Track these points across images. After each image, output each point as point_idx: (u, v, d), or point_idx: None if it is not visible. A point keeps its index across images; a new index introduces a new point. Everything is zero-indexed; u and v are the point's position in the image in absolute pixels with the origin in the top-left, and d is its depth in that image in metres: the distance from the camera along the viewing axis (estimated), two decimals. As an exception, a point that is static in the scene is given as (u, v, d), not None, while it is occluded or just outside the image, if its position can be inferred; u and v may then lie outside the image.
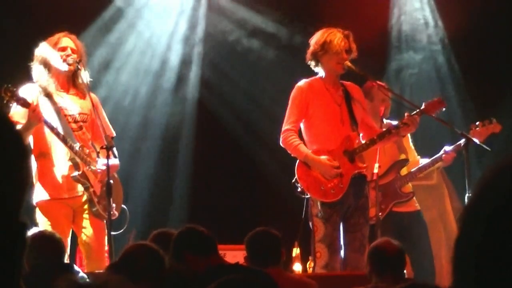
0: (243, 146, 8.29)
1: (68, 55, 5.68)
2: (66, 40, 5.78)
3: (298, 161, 5.80)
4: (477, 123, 6.35)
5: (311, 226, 5.76)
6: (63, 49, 5.72)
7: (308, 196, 5.77)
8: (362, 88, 6.40)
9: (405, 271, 4.49)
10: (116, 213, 5.76)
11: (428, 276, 6.32)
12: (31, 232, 4.43)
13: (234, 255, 5.68)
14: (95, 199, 5.63)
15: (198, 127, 8.27)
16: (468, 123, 6.64)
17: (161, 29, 8.15)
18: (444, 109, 6.15)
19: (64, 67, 5.69)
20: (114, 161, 5.75)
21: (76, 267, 4.57)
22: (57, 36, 5.79)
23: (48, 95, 5.67)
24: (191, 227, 4.12)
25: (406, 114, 6.05)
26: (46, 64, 5.68)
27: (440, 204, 7.13)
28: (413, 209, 6.52)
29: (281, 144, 5.84)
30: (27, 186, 1.10)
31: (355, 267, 5.69)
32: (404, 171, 6.56)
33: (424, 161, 6.61)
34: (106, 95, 7.54)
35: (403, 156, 6.59)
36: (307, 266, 6.06)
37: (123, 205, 5.94)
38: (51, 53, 5.69)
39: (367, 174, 5.94)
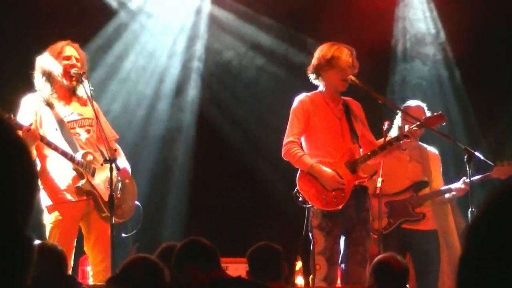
0: (242, 150, 8.29)
1: (72, 66, 5.68)
2: (70, 49, 5.76)
3: (299, 172, 5.80)
4: (504, 161, 6.30)
5: (311, 237, 5.76)
6: (67, 58, 5.70)
7: (310, 206, 5.76)
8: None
9: (407, 286, 4.47)
10: (131, 211, 5.83)
11: None
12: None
13: (236, 268, 5.67)
14: (102, 205, 5.62)
15: (197, 132, 8.28)
16: (470, 136, 6.64)
17: (161, 43, 8.20)
18: (444, 123, 6.15)
19: (66, 82, 5.70)
20: (125, 165, 5.81)
21: (77, 280, 4.56)
22: (60, 44, 5.77)
23: (50, 105, 5.68)
24: (194, 239, 4.10)
25: (406, 126, 6.06)
26: (49, 76, 5.67)
27: (442, 220, 7.10)
28: (426, 228, 6.47)
29: (283, 156, 5.83)
30: (30, 187, 1.09)
31: (357, 281, 5.67)
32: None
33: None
34: (109, 102, 7.61)
35: (425, 178, 6.57)
36: (309, 280, 6.04)
37: (137, 202, 5.98)
38: (54, 65, 5.69)
39: (369, 185, 5.94)
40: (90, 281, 5.79)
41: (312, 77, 5.94)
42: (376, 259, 4.45)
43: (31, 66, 5.79)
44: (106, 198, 5.55)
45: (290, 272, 5.41)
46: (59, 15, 7.47)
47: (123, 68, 8.06)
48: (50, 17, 7.45)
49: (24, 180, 1.08)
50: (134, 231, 5.90)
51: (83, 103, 5.81)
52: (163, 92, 8.24)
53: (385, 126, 6.25)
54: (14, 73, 6.66)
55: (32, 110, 5.64)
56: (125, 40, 8.05)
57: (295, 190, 5.78)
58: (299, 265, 6.42)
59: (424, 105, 6.57)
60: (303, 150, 5.82)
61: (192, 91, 8.29)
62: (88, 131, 5.79)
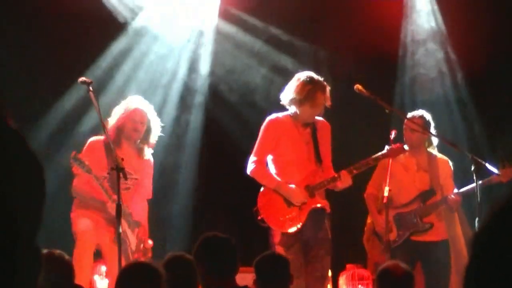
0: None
1: (136, 130, 6.10)
2: (140, 113, 6.14)
3: (260, 191, 6.05)
4: (504, 163, 6.28)
5: None
6: (136, 124, 6.11)
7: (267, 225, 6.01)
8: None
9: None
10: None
11: None
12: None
13: (243, 277, 5.67)
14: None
15: (204, 132, 8.32)
16: (476, 149, 6.62)
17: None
18: (403, 154, 6.24)
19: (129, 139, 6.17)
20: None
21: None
22: (132, 106, 6.13)
23: (109, 150, 5.91)
24: (228, 238, 4.08)
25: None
26: (119, 129, 6.11)
27: (450, 229, 7.08)
28: (435, 239, 6.46)
29: (248, 173, 6.09)
30: (37, 201, 1.08)
31: None
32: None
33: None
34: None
35: (432, 188, 6.52)
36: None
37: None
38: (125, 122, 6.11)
39: (327, 208, 6.11)
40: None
41: (285, 104, 6.10)
42: (380, 268, 4.48)
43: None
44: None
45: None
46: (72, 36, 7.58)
47: (135, 75, 8.11)
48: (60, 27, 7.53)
49: (33, 193, 1.08)
50: None
51: (137, 162, 6.18)
52: (170, 97, 8.27)
53: (392, 135, 6.24)
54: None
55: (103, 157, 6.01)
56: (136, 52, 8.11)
57: (255, 207, 6.02)
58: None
59: (426, 114, 6.53)
60: (268, 169, 6.09)
61: (200, 93, 8.32)
62: (127, 188, 6.07)
